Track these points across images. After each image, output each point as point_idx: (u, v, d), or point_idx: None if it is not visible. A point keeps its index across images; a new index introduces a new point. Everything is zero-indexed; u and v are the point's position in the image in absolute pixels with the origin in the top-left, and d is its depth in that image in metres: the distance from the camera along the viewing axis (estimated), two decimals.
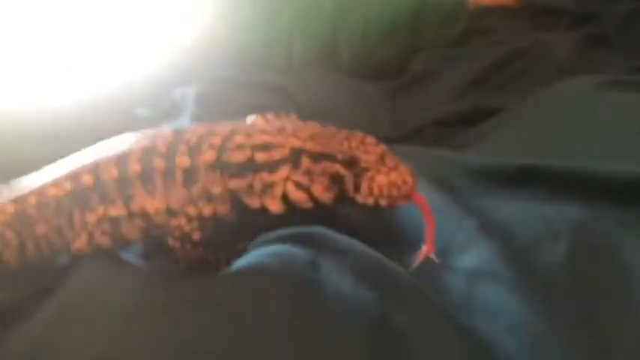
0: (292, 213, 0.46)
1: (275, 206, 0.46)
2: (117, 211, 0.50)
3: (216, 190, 0.47)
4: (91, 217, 0.50)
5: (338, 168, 0.43)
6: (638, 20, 0.92)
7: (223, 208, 0.48)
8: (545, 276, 0.43)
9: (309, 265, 0.44)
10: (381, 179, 0.42)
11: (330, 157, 0.43)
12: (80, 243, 0.51)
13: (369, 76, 1.06)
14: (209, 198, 0.47)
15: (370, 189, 0.42)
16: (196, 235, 0.48)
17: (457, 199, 0.53)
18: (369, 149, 0.43)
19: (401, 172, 0.42)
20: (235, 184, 0.47)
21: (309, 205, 0.45)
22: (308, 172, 0.44)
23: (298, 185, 0.44)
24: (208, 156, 0.47)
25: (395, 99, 1.00)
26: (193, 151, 0.47)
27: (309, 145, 0.44)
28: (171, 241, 0.49)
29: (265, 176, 0.45)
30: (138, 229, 0.50)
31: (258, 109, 0.51)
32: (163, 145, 0.48)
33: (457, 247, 0.47)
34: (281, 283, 0.43)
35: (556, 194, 0.52)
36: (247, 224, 0.51)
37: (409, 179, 0.42)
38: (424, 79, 0.99)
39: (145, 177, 0.48)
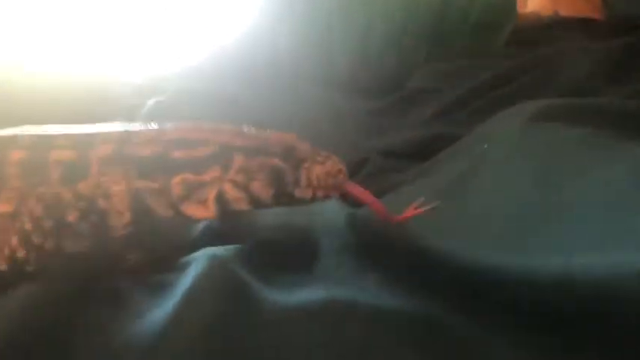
0: (222, 217, 0.41)
1: (202, 212, 0.40)
2: None
3: (117, 188, 0.39)
4: None
5: (276, 161, 0.39)
6: None
7: (118, 219, 0.39)
8: None
9: None
10: (318, 169, 0.39)
11: (265, 151, 0.39)
12: None
13: (362, 91, 0.84)
14: (105, 197, 0.39)
15: (309, 180, 0.39)
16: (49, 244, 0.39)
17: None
18: (299, 140, 0.40)
19: (335, 161, 0.40)
20: (143, 184, 0.39)
21: (246, 205, 0.40)
22: (244, 170, 0.39)
23: (235, 184, 0.39)
24: (103, 149, 0.39)
25: (379, 120, 0.78)
26: (79, 143, 0.40)
27: (239, 141, 0.39)
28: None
29: (190, 177, 0.39)
30: None
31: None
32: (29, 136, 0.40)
33: None
34: None
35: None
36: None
37: (343, 168, 0.40)
38: (414, 99, 0.76)
39: None
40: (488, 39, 0.86)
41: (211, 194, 0.39)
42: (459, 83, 0.73)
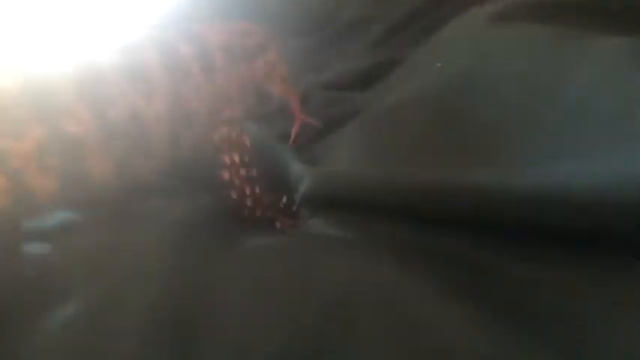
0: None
1: (278, 89, 0.43)
2: None
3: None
4: None
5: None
6: None
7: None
8: None
9: None
10: (283, 69, 0.43)
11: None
12: None
13: (294, 29, 0.79)
14: None
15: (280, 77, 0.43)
16: None
17: None
18: None
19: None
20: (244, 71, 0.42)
21: (287, 85, 0.43)
22: (279, 53, 0.43)
23: (283, 63, 0.43)
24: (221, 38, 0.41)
25: (315, 56, 0.73)
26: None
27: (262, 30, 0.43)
28: None
29: (268, 58, 0.42)
30: None
31: None
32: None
33: None
34: None
35: None
36: None
37: None
38: (350, 30, 0.71)
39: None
40: None
41: (279, 72, 0.42)
42: (397, 8, 0.68)
